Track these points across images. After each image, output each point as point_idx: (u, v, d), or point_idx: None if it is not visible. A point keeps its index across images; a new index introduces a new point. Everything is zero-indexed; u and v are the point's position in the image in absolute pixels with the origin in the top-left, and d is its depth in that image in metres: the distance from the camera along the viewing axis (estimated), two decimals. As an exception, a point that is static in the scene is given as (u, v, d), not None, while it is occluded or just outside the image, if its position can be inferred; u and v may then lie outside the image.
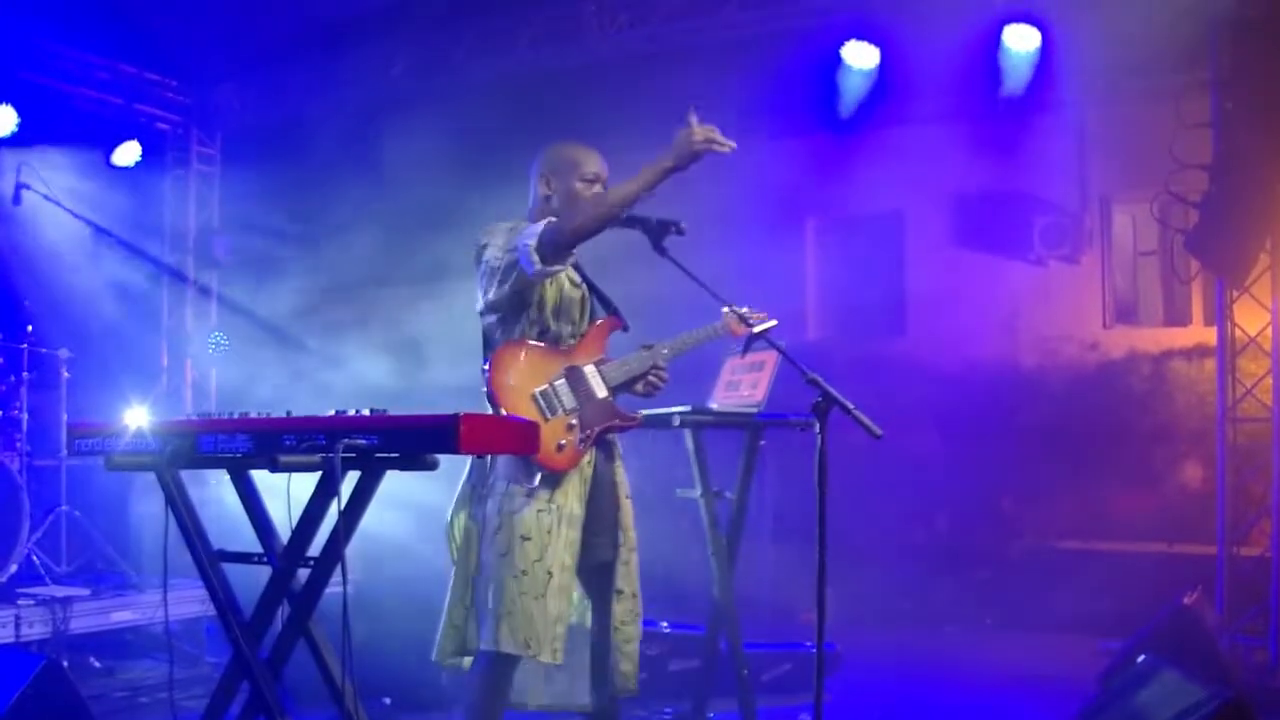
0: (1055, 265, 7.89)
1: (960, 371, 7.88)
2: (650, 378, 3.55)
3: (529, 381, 3.33)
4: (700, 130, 3.14)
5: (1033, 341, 8.11)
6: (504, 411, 3.23)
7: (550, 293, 3.42)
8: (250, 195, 8.11)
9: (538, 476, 3.30)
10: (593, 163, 3.47)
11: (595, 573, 3.47)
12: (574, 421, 3.35)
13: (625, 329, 3.55)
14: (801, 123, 7.58)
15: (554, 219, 3.29)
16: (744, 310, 3.76)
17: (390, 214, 7.86)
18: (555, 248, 3.24)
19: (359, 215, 7.83)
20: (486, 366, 3.35)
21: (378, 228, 7.84)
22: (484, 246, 3.37)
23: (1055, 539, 7.60)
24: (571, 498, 3.35)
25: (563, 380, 3.37)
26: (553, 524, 3.30)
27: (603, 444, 3.46)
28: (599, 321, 3.53)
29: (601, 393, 3.44)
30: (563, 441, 3.32)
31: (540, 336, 3.41)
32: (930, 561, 7.50)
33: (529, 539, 3.28)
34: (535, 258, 3.23)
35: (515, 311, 3.38)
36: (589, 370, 3.44)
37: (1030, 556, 7.54)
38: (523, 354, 3.35)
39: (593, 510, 3.40)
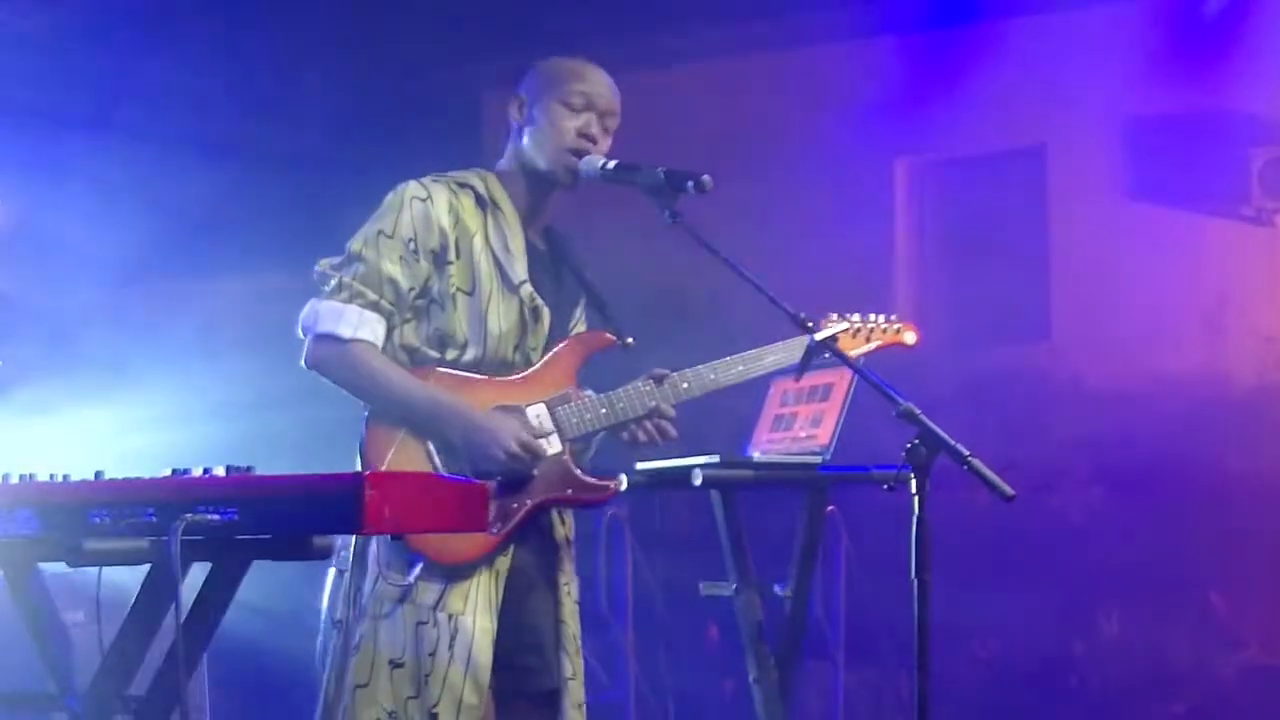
0: (1284, 225, 7.92)
1: (1136, 393, 7.90)
2: (648, 424, 3.53)
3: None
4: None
5: (1251, 344, 8.12)
6: None
7: (496, 308, 3.44)
8: (27, 115, 8.10)
9: (416, 569, 3.32)
10: (586, 82, 3.55)
11: (534, 704, 3.51)
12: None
13: (625, 345, 3.56)
14: (884, 13, 7.62)
15: (331, 340, 3.41)
16: (843, 322, 3.83)
17: (252, 153, 7.85)
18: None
19: (197, 152, 7.82)
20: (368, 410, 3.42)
21: (225, 173, 7.84)
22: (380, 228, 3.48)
23: (1291, 652, 7.62)
24: (475, 602, 3.36)
25: None
26: (438, 643, 3.31)
27: (536, 520, 3.47)
28: (567, 341, 3.54)
29: (551, 448, 3.44)
30: None
31: (475, 363, 3.42)
32: (1096, 687, 7.51)
33: (401, 665, 3.31)
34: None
35: (430, 319, 3.44)
36: (534, 413, 3.44)
37: (1254, 678, 7.55)
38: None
39: (513, 621, 3.42)
